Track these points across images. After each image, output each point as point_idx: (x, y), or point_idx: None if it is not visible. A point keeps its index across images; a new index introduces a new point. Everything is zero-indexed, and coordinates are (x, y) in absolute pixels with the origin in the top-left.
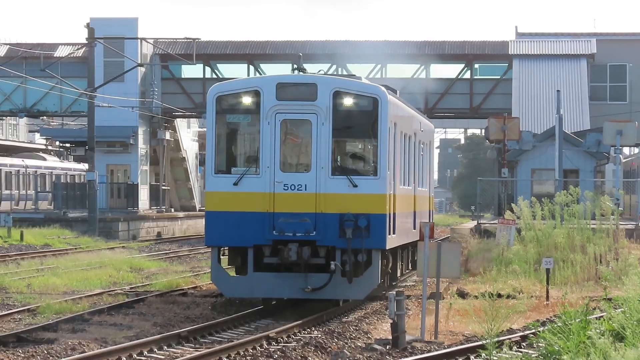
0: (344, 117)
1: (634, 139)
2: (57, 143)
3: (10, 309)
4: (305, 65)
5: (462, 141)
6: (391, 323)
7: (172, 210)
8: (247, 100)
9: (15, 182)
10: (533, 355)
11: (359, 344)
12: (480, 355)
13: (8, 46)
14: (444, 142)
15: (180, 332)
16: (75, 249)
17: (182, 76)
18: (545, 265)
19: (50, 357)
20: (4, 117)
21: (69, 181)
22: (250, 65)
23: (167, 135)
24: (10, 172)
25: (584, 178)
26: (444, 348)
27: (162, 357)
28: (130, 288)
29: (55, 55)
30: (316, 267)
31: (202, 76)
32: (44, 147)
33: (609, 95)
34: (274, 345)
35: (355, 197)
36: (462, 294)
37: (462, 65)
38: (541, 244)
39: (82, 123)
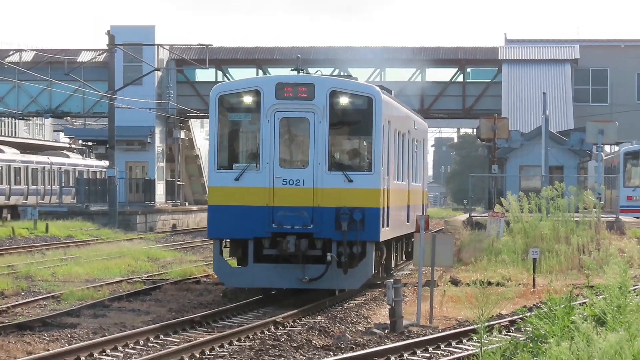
0: (340, 116)
1: (615, 138)
2: (80, 142)
3: (36, 296)
4: (309, 70)
5: (456, 140)
6: (389, 309)
7: (187, 204)
8: (247, 99)
9: (41, 178)
10: (521, 339)
11: (359, 328)
12: (472, 339)
13: (35, 52)
14: (438, 140)
15: (193, 317)
16: (97, 240)
17: (196, 80)
18: (532, 255)
19: (74, 340)
20: (30, 118)
21: (90, 177)
22: (259, 70)
23: (182, 135)
24: (37, 168)
25: (568, 174)
26: (439, 332)
27: (177, 340)
28: (148, 276)
29: (78, 60)
30: (313, 259)
31: (214, 80)
32: (67, 145)
33: (591, 97)
34: (280, 330)
35: (350, 192)
36: (455, 282)
37: (456, 70)
38: (528, 235)
39: (103, 123)
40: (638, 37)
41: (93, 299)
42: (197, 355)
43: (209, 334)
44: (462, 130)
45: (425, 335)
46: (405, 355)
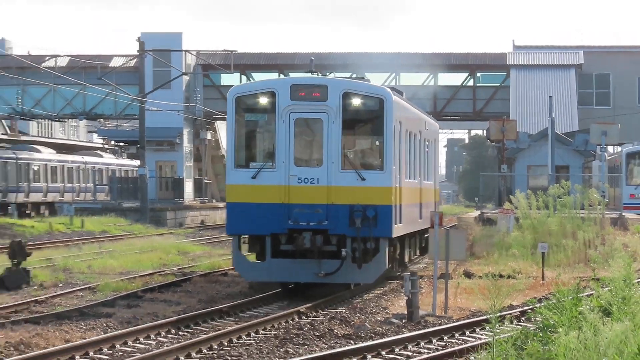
0: (353, 116)
1: (617, 139)
2: (113, 142)
3: (74, 287)
4: (328, 74)
5: (467, 141)
6: (406, 300)
7: (214, 201)
8: (263, 100)
9: (76, 176)
10: (531, 328)
11: (378, 318)
12: (485, 328)
13: (69, 57)
14: (450, 141)
15: (222, 307)
16: (129, 235)
17: (222, 84)
18: (541, 249)
19: (109, 329)
20: (66, 120)
21: (123, 175)
22: (281, 74)
23: (209, 136)
24: (72, 167)
25: (574, 173)
26: (453, 322)
27: (207, 329)
28: (178, 269)
29: (110, 66)
30: (328, 254)
31: (239, 84)
32: (101, 145)
33: (594, 101)
34: (304, 319)
35: (363, 190)
36: (468, 275)
37: (466, 74)
38: (537, 230)
39: (134, 125)
40: (639, 43)
41: (127, 290)
42: (225, 344)
43: (236, 324)
44: (473, 132)
45: (440, 324)
46: (422, 343)
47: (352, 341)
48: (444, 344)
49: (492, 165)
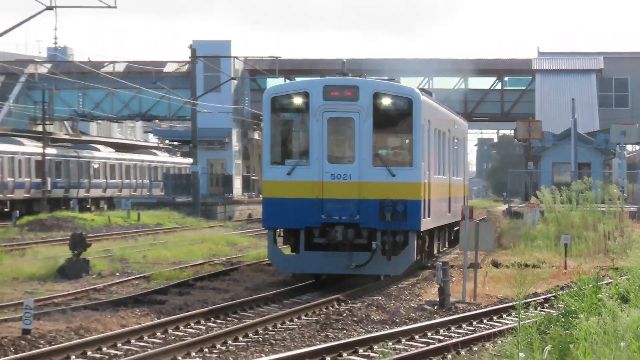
0: (383, 115)
1: (636, 138)
2: (167, 142)
3: (130, 276)
4: None
5: (495, 140)
6: (438, 288)
7: (261, 196)
8: (298, 100)
9: (133, 173)
10: (554, 314)
11: (412, 304)
12: (511, 314)
13: (126, 63)
14: (480, 140)
15: (267, 294)
16: (182, 227)
17: (267, 87)
18: (564, 240)
19: (162, 315)
20: (123, 121)
21: (176, 172)
22: None
23: (256, 135)
24: (129, 165)
25: (595, 170)
26: (482, 308)
27: (253, 315)
28: (226, 259)
29: (164, 71)
30: (359, 247)
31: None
32: (156, 145)
33: (614, 103)
34: (343, 306)
35: (393, 185)
36: (496, 264)
37: (495, 78)
38: (560, 223)
39: (186, 125)
40: None
41: (179, 278)
42: (270, 328)
43: (280, 310)
44: (501, 132)
45: (470, 310)
46: (453, 328)
47: (387, 326)
48: (473, 328)
49: (519, 163)
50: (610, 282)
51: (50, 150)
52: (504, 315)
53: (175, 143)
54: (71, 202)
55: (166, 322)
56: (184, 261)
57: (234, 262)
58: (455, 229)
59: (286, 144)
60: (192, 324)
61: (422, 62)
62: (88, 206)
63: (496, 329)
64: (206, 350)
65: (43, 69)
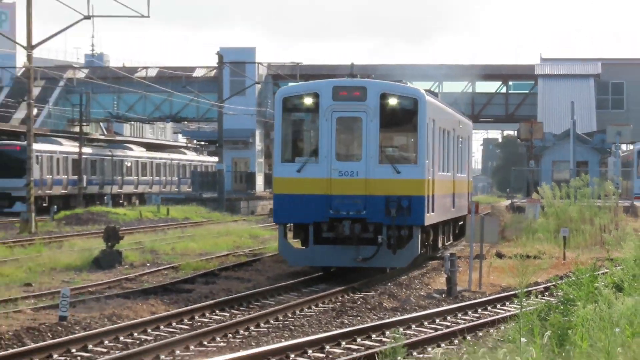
0: (389, 115)
1: (630, 138)
2: (195, 141)
3: (159, 267)
4: None
5: (500, 140)
6: (446, 277)
7: None
8: (308, 100)
9: (163, 171)
10: (554, 302)
11: (421, 293)
12: (513, 302)
13: (158, 69)
14: (486, 140)
15: (286, 284)
16: (208, 221)
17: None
18: (563, 233)
19: (189, 303)
20: (154, 122)
21: (203, 170)
22: None
23: None
24: (159, 163)
25: (592, 168)
26: (486, 296)
27: (273, 302)
28: (249, 251)
29: (193, 76)
30: (366, 241)
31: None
32: (184, 144)
33: (610, 105)
34: (357, 294)
35: (398, 182)
36: (500, 255)
37: (500, 83)
38: (559, 217)
39: (213, 126)
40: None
41: (205, 269)
42: (290, 315)
43: (299, 298)
44: (505, 132)
45: (475, 298)
46: (459, 315)
47: (398, 313)
48: (478, 315)
49: (521, 161)
50: (606, 272)
51: (86, 150)
52: (507, 303)
53: (203, 143)
54: (105, 197)
55: (193, 310)
56: (210, 252)
57: (256, 253)
58: (460, 223)
59: (296, 143)
60: (217, 311)
61: (433, 68)
62: (121, 201)
63: (500, 316)
64: (230, 335)
65: (81, 74)
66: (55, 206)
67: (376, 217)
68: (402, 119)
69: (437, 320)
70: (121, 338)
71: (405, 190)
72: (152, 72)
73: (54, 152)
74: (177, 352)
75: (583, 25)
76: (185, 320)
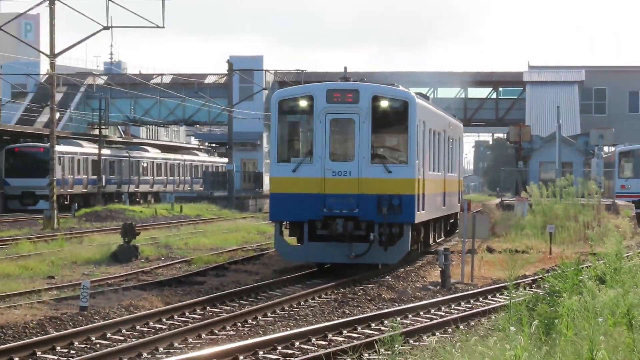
0: (381, 117)
1: (612, 141)
2: (206, 143)
3: (173, 260)
4: None
5: (491, 142)
6: (440, 270)
7: None
8: (303, 103)
9: (177, 171)
10: (541, 293)
11: (417, 285)
12: (503, 293)
13: (172, 75)
14: (477, 142)
15: (291, 276)
16: (219, 218)
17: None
18: (549, 229)
19: (201, 294)
20: (169, 125)
21: (214, 170)
22: None
23: None
24: (173, 164)
25: (576, 168)
26: (478, 288)
27: (280, 293)
28: (257, 245)
29: (205, 82)
30: (358, 238)
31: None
32: (196, 146)
33: (593, 110)
34: (358, 286)
35: (389, 181)
36: (490, 250)
37: (490, 89)
38: (546, 214)
39: (223, 130)
40: (628, 64)
41: (216, 262)
42: (295, 305)
43: (303, 290)
44: (496, 135)
45: (467, 290)
46: (453, 305)
47: (396, 304)
48: (470, 306)
49: (511, 162)
50: (589, 266)
51: (105, 151)
52: (497, 295)
53: (214, 145)
54: (123, 196)
55: (205, 300)
56: (220, 247)
57: (263, 248)
58: (451, 221)
59: (292, 143)
60: (227, 302)
61: (428, 75)
62: (137, 199)
63: (490, 306)
64: (239, 324)
65: (100, 81)
66: (76, 204)
67: (368, 215)
68: (393, 120)
69: (432, 311)
70: (137, 327)
71: (396, 189)
72: (167, 79)
73: (75, 153)
74: (190, 339)
75: (582, 25)
76: (198, 310)
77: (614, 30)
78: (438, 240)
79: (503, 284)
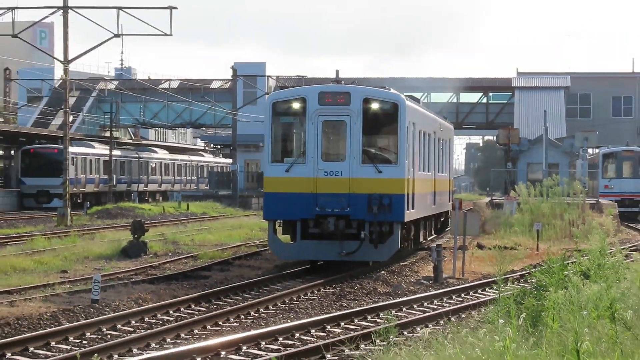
0: (372, 118)
1: (595, 143)
2: (212, 145)
3: (180, 256)
4: None
5: (481, 144)
6: (433, 266)
7: None
8: (296, 105)
9: (184, 171)
10: (528, 288)
11: (411, 279)
12: (492, 287)
13: (179, 81)
14: (468, 144)
15: (292, 271)
16: (223, 215)
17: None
18: (536, 227)
19: (206, 288)
20: (176, 128)
21: (219, 170)
22: None
23: None
24: (181, 164)
25: (562, 169)
26: (469, 282)
27: (280, 287)
28: (259, 242)
29: (210, 87)
30: (350, 236)
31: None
32: (203, 148)
33: (578, 114)
34: (355, 281)
35: (380, 181)
36: (481, 247)
37: (481, 94)
38: (533, 213)
39: (228, 132)
40: (611, 70)
41: (220, 258)
42: (295, 298)
43: (303, 284)
44: (486, 138)
45: (459, 284)
46: (445, 299)
47: (391, 297)
48: (461, 299)
49: (500, 163)
50: (574, 262)
51: (116, 152)
52: (487, 289)
53: (219, 146)
54: (132, 194)
55: (210, 294)
56: (225, 243)
57: (265, 244)
58: (441, 219)
59: (285, 144)
60: (231, 295)
61: (422, 80)
62: (146, 198)
63: (480, 300)
64: (242, 316)
65: (111, 86)
66: (88, 202)
67: (359, 214)
68: (383, 122)
69: (425, 304)
70: (146, 319)
71: (386, 188)
72: (175, 84)
73: (88, 154)
74: (196, 331)
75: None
76: (203, 303)
77: (600, 37)
78: (429, 238)
79: (492, 279)
